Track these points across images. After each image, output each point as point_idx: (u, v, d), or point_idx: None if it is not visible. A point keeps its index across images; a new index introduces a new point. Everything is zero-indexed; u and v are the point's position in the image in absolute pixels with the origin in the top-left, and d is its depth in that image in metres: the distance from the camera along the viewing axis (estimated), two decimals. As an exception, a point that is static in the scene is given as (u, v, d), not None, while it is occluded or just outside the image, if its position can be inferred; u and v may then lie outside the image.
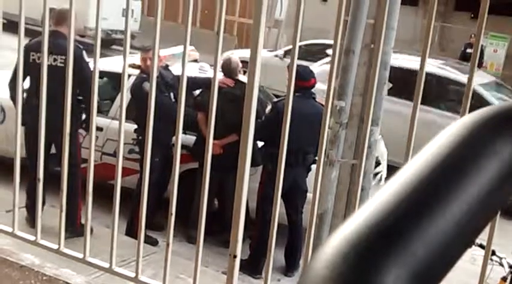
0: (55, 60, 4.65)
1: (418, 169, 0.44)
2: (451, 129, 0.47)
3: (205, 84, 5.19)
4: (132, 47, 4.16)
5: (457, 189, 0.43)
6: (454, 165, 0.44)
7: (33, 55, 4.59)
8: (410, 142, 2.64)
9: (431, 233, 0.42)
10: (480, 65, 15.23)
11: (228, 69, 5.43)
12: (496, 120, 0.47)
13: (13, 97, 3.73)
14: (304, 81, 4.89)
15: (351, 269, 0.39)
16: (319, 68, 8.10)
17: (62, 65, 4.40)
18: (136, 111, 5.02)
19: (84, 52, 4.68)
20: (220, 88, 4.96)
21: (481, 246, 3.20)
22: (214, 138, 3.73)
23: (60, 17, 4.74)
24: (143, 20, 15.40)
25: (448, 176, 0.44)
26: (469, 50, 15.11)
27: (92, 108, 3.22)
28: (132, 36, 11.98)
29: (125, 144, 3.27)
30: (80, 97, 4.69)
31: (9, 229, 3.50)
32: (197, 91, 5.50)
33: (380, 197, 0.43)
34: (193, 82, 4.93)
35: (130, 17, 3.06)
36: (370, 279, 0.39)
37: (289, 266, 5.24)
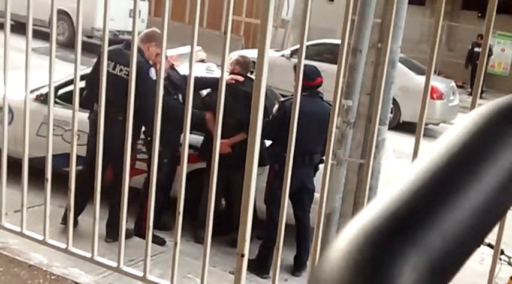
0: (121, 70, 4.69)
1: (434, 159, 0.44)
2: (466, 119, 0.47)
3: (213, 84, 5.19)
4: (139, 47, 4.17)
5: (474, 178, 0.43)
6: (469, 155, 0.44)
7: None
8: (421, 126, 2.63)
9: (448, 223, 0.41)
10: (487, 65, 15.17)
11: (245, 62, 5.47)
12: (510, 110, 0.46)
13: (82, 104, 3.75)
14: (310, 80, 4.88)
15: (367, 259, 0.39)
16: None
17: (125, 76, 4.38)
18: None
19: (152, 69, 4.59)
20: (230, 85, 4.96)
21: (490, 245, 3.18)
22: (224, 137, 3.72)
23: (147, 35, 4.90)
24: (150, 21, 15.41)
25: (464, 166, 0.44)
26: (476, 49, 15.05)
27: (100, 108, 3.23)
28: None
29: (132, 143, 3.28)
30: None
31: (18, 229, 3.52)
32: (204, 92, 5.50)
33: (396, 187, 0.43)
34: (200, 83, 4.92)
35: (138, 18, 3.07)
36: (386, 269, 0.38)
37: (297, 266, 5.23)
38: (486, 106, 0.47)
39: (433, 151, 0.45)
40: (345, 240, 0.41)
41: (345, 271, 0.39)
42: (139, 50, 4.32)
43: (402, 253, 0.39)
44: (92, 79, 4.38)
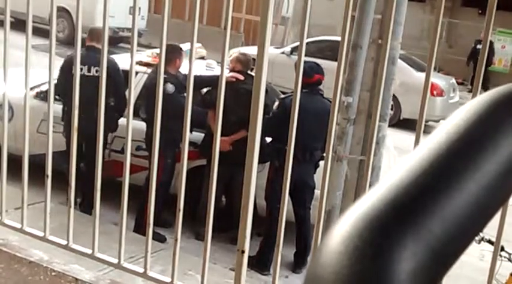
0: (89, 70, 5.30)
1: (434, 145, 0.44)
2: (467, 106, 0.47)
3: (213, 82, 5.19)
4: (139, 44, 4.17)
5: (474, 166, 0.43)
6: (470, 142, 0.44)
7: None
8: (421, 123, 2.63)
9: (448, 210, 0.41)
10: (490, 62, 15.16)
11: (246, 60, 5.47)
12: (511, 98, 0.46)
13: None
14: (307, 77, 4.86)
15: (367, 244, 0.39)
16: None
17: (98, 74, 4.49)
18: (149, 111, 4.98)
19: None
20: (231, 82, 4.96)
21: (490, 242, 3.19)
22: (226, 134, 3.72)
23: (93, 33, 5.57)
24: (150, 18, 15.40)
25: (465, 153, 0.43)
26: (479, 46, 15.03)
27: (100, 105, 3.23)
28: (139, 34, 11.99)
29: (132, 141, 3.28)
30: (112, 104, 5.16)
31: (18, 225, 3.52)
32: (204, 90, 5.50)
33: (396, 173, 0.43)
34: (200, 81, 4.93)
35: (137, 15, 3.06)
36: (386, 254, 0.38)
37: (297, 263, 5.24)
38: (486, 94, 0.47)
39: (434, 139, 0.45)
40: (344, 226, 0.40)
41: (344, 256, 0.39)
42: (98, 50, 4.71)
43: (402, 238, 0.39)
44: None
